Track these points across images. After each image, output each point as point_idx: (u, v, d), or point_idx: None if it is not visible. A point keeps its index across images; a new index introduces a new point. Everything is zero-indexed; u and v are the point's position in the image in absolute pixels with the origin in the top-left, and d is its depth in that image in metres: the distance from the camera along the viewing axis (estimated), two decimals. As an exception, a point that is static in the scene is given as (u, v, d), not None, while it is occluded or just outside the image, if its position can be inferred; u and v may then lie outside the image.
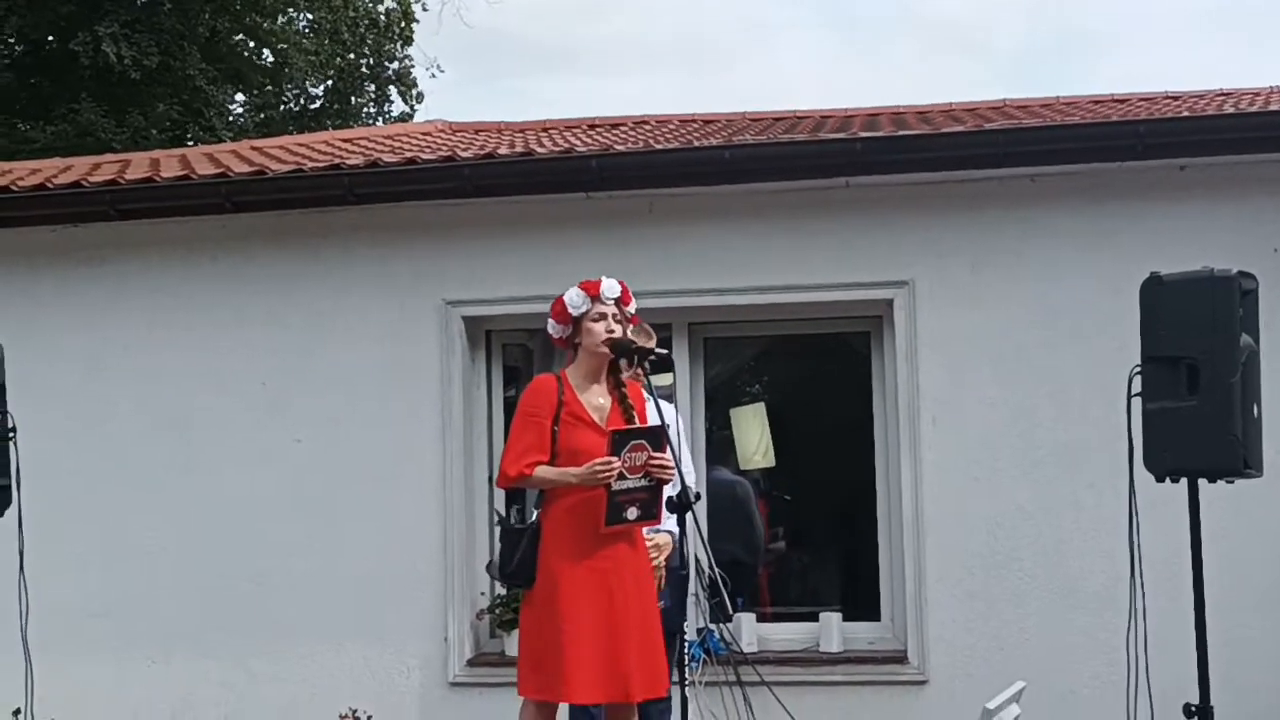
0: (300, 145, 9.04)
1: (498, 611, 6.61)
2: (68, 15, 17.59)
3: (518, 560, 4.58)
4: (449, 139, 8.53)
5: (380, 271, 6.75)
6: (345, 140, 9.01)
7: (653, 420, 4.61)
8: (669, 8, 39.96)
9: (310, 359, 6.77)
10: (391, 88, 22.47)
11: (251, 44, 21.22)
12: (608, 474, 4.41)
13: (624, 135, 8.07)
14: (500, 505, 6.64)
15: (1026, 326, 6.28)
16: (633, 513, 4.51)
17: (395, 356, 6.69)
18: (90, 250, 6.96)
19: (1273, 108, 6.79)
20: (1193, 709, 4.43)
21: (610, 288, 4.65)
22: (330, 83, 21.63)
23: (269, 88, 21.53)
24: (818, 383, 7.44)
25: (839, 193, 6.40)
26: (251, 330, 6.82)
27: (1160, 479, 4.51)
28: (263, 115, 21.16)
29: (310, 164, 6.95)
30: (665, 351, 4.81)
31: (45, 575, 5.74)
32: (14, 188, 6.91)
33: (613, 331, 4.62)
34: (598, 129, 8.67)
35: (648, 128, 8.53)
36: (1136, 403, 4.54)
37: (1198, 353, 4.40)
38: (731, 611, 5.00)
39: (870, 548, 6.59)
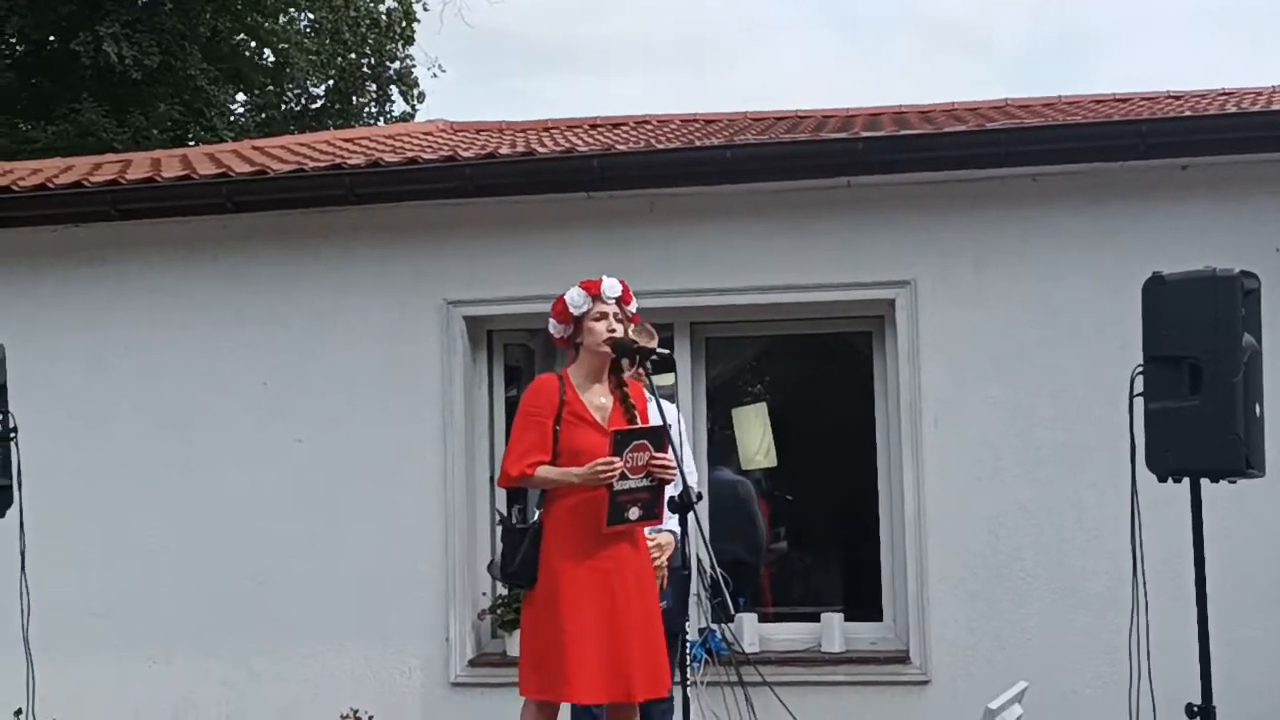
0: (301, 145, 9.04)
1: (499, 611, 6.61)
2: (69, 15, 17.58)
3: (519, 560, 4.57)
4: (450, 139, 8.53)
5: (381, 271, 6.74)
6: (346, 140, 9.01)
7: (654, 420, 4.60)
8: (670, 7, 40.02)
9: (311, 359, 6.77)
10: (393, 87, 22.44)
11: (253, 44, 21.20)
12: (610, 474, 4.40)
13: (625, 135, 8.07)
14: (502, 505, 6.64)
15: (1029, 326, 6.28)
16: (635, 513, 4.50)
17: (396, 356, 6.69)
18: (91, 250, 6.96)
19: (1275, 107, 6.77)
20: (1195, 709, 4.42)
21: (611, 287, 4.64)
22: (331, 82, 21.61)
23: (270, 88, 21.51)
24: (819, 383, 7.43)
25: (841, 192, 6.40)
26: (253, 330, 6.82)
27: (1162, 479, 4.51)
28: (264, 115, 21.15)
29: (311, 164, 6.95)
30: (667, 351, 4.80)
31: (46, 575, 5.76)
32: (15, 188, 6.91)
33: (614, 331, 4.61)
34: (599, 129, 8.67)
35: (649, 127, 8.52)
36: (1139, 402, 4.54)
37: (1200, 352, 4.40)
38: (733, 611, 4.97)
39: (872, 547, 6.59)
